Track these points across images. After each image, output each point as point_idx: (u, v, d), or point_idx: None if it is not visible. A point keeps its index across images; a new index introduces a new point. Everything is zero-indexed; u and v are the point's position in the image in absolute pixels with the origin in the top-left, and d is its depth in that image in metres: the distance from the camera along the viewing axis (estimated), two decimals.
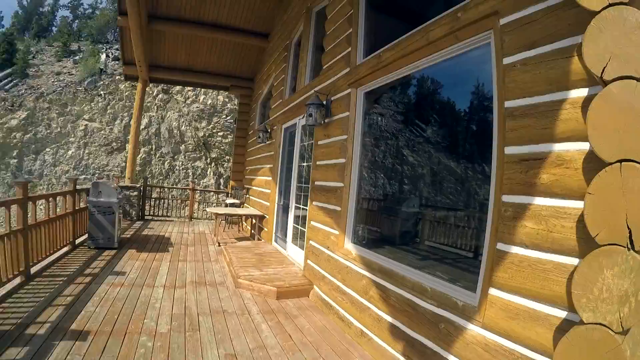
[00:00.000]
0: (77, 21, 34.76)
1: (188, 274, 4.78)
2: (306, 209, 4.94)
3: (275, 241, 6.59)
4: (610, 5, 1.28)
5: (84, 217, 5.86)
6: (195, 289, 4.18)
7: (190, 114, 17.29)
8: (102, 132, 17.42)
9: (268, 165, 7.32)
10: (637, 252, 1.20)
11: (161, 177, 16.89)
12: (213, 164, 17.02)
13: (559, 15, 1.70)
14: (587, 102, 1.58)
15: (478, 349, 1.99)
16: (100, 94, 17.96)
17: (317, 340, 3.16)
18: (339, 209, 3.94)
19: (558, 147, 1.71)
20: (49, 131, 17.25)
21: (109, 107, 17.69)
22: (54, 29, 32.74)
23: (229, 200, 9.20)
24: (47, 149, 17.17)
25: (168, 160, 17.10)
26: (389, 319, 2.85)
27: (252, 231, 7.64)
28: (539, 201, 1.78)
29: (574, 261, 1.60)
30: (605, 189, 1.26)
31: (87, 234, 5.67)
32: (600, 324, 1.24)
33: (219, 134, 17.13)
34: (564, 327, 1.61)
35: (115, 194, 5.68)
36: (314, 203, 4.59)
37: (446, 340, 2.23)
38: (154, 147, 17.17)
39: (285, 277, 4.53)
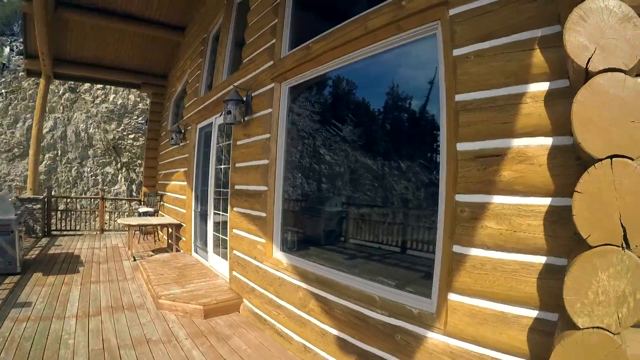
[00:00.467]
0: None
1: (102, 297, 4.14)
2: (227, 216, 4.40)
3: (196, 251, 5.88)
4: None
5: None
6: (112, 316, 3.60)
7: (99, 115, 14.80)
8: (3, 136, 13.81)
9: (183, 169, 6.53)
10: (632, 250, 1.16)
11: (68, 186, 14.13)
12: (124, 169, 14.87)
13: (518, 7, 1.65)
14: (550, 96, 1.56)
15: (444, 357, 1.87)
16: (1, 93, 14.05)
17: None
18: (264, 215, 3.55)
19: (519, 142, 1.66)
20: None
21: (10, 108, 14.00)
22: None
23: (142, 209, 8.32)
24: None
25: (75, 167, 14.37)
26: (334, 332, 2.60)
27: (170, 241, 6.87)
28: (499, 200, 1.72)
29: (542, 259, 1.57)
30: (596, 187, 1.20)
31: None
32: (599, 327, 1.18)
33: (129, 136, 14.96)
34: (536, 327, 1.57)
35: (13, 209, 4.90)
36: (235, 209, 4.08)
37: (405, 351, 2.07)
38: (59, 152, 14.26)
39: (211, 293, 3.98)
